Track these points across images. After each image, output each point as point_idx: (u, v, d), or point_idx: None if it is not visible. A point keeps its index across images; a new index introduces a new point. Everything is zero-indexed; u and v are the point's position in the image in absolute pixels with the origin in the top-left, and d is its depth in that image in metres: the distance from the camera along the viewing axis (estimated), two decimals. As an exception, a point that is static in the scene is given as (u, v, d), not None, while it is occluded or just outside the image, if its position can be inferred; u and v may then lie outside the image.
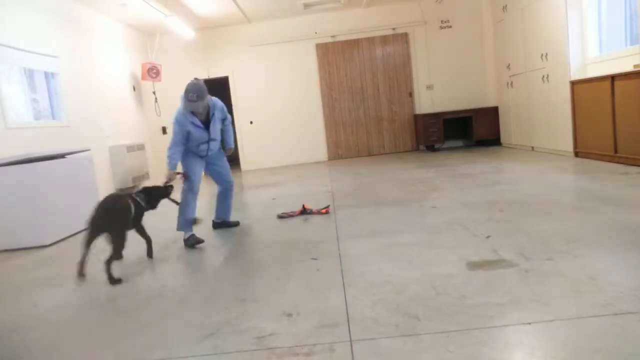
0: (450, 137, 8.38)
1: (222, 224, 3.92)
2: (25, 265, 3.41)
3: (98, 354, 1.84)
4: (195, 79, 3.50)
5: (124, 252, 2.86)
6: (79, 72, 5.97)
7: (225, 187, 3.83)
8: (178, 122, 3.40)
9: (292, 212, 4.09)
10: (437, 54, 8.53)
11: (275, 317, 1.97)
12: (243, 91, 8.69)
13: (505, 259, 2.36)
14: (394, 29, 8.51)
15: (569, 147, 5.67)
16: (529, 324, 1.66)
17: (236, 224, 3.95)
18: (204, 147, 3.57)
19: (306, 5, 7.85)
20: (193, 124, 3.44)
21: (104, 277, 2.76)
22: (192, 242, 3.38)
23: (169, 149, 3.42)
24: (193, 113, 3.42)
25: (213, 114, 3.56)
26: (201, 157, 3.64)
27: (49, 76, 5.42)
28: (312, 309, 2.02)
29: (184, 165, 3.56)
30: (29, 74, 5.18)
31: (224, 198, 3.87)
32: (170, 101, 8.57)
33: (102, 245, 2.79)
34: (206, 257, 3.12)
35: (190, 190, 3.52)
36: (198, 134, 3.48)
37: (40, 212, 3.93)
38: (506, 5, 7.10)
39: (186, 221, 3.48)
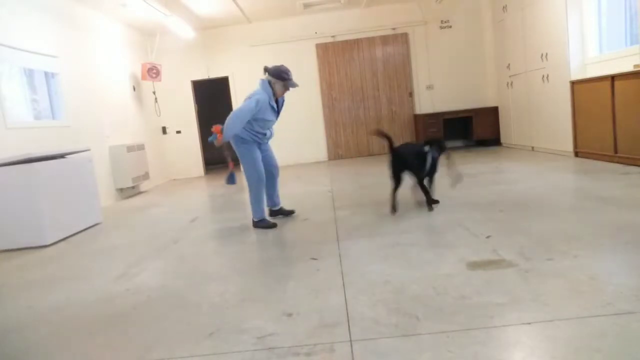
0: (450, 137, 8.37)
1: (279, 211, 4.02)
2: (25, 265, 3.41)
3: (98, 354, 1.84)
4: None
5: None
6: (79, 72, 5.97)
7: (274, 172, 3.94)
8: (260, 102, 3.49)
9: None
10: (437, 54, 8.53)
11: (275, 317, 1.97)
12: (243, 91, 8.65)
13: (505, 259, 2.36)
14: (393, 29, 8.51)
15: (569, 147, 5.67)
16: (529, 324, 1.66)
17: (292, 212, 4.07)
18: (269, 131, 3.77)
19: (306, 5, 7.85)
20: (272, 106, 3.61)
21: (103, 275, 2.77)
22: (264, 225, 3.70)
23: (235, 117, 3.43)
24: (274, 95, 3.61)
25: (283, 100, 3.76)
26: (259, 144, 3.76)
27: (49, 76, 5.42)
28: (312, 309, 2.02)
29: (250, 158, 3.65)
30: (29, 74, 5.18)
31: (273, 184, 3.96)
32: (170, 101, 8.60)
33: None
34: (206, 257, 3.12)
35: (261, 181, 3.70)
36: (271, 116, 3.64)
37: (40, 212, 3.93)
38: (506, 5, 7.10)
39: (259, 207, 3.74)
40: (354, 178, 5.96)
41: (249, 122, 3.56)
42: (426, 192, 3.57)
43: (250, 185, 3.72)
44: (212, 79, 8.77)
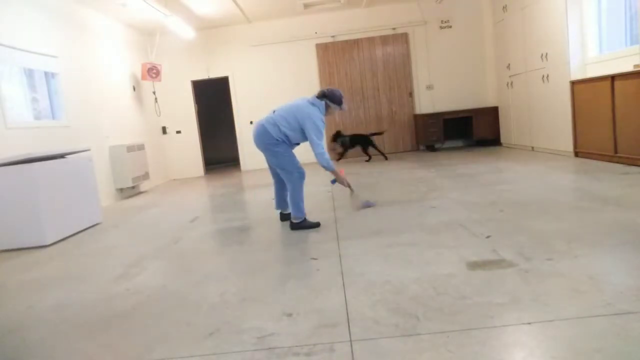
0: (450, 137, 8.38)
1: (289, 215, 3.85)
2: (25, 265, 3.41)
3: (98, 354, 1.84)
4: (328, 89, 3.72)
5: None
6: (79, 72, 5.97)
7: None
8: (323, 123, 3.61)
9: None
10: (437, 54, 8.53)
11: (275, 317, 1.97)
12: (243, 91, 8.69)
13: (505, 259, 2.36)
14: (394, 29, 8.51)
15: (569, 147, 5.67)
16: (529, 324, 1.66)
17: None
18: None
19: (306, 5, 7.85)
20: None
21: (103, 275, 2.77)
22: (309, 225, 3.59)
23: (324, 152, 3.55)
24: None
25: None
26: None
27: (49, 76, 5.42)
28: (312, 309, 2.02)
29: (293, 160, 3.68)
30: (29, 74, 5.18)
31: (285, 189, 3.91)
32: (170, 101, 8.60)
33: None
34: (206, 257, 3.13)
35: (303, 179, 3.71)
36: None
37: (40, 212, 3.93)
38: (506, 5, 7.10)
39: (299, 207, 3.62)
40: (354, 178, 5.96)
41: (294, 132, 3.58)
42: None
43: (296, 181, 3.63)
44: (212, 79, 8.77)
